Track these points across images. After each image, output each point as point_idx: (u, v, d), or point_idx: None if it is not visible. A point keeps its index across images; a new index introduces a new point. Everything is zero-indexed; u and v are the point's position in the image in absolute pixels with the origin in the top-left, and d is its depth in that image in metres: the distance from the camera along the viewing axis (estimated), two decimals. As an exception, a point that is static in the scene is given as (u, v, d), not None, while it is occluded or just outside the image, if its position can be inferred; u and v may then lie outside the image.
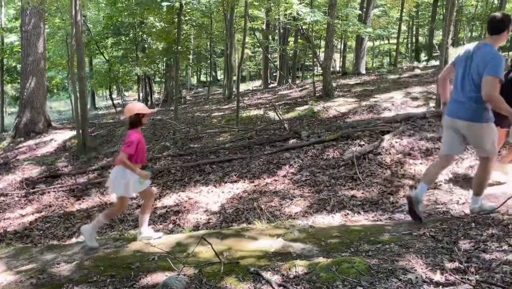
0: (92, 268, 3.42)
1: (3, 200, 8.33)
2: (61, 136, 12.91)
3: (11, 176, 9.72)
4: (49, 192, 8.39)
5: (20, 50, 14.53)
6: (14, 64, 18.95)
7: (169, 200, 7.09)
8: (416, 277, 2.64)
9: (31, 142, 12.67)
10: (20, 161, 10.77)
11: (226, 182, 7.35)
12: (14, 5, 17.91)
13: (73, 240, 5.88)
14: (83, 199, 7.92)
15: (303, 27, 15.00)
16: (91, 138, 11.95)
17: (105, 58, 21.67)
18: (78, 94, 11.13)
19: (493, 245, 3.09)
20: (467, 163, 6.49)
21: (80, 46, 10.95)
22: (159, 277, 3.12)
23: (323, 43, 22.15)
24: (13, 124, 13.91)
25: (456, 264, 2.83)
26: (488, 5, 26.36)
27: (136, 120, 4.03)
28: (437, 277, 2.66)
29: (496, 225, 3.54)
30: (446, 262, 2.88)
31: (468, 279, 2.59)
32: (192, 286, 2.86)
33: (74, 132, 12.33)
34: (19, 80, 16.18)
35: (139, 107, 4.06)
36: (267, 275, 2.91)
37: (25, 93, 13.48)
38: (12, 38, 21.01)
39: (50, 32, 19.53)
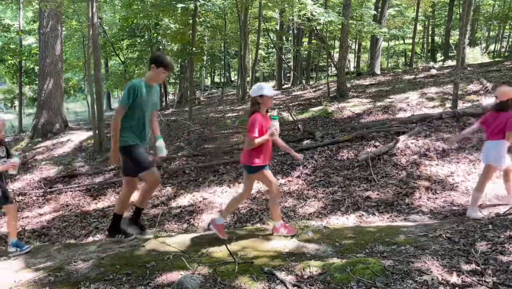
0: (109, 267, 3.46)
1: (21, 199, 8.49)
2: (77, 137, 13.10)
3: (29, 176, 9.89)
4: (66, 192, 8.51)
5: (38, 52, 14.79)
6: (32, 66, 19.30)
7: (184, 200, 7.14)
8: (432, 279, 2.62)
9: (48, 142, 12.88)
10: (38, 161, 10.96)
11: (240, 182, 7.36)
12: (33, 8, 18.23)
13: (90, 238, 5.96)
14: (100, 198, 8.02)
15: (317, 27, 14.95)
16: (107, 138, 12.10)
17: (120, 59, 21.93)
18: (94, 95, 11.28)
19: (510, 247, 3.05)
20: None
21: (97, 48, 11.09)
22: (174, 276, 3.15)
23: (337, 43, 22.08)
24: (31, 125, 14.16)
25: (473, 266, 2.80)
26: (506, 4, 25.92)
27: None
28: (454, 279, 2.63)
29: (514, 227, 3.48)
30: (463, 264, 2.85)
31: (485, 281, 2.56)
32: (207, 285, 2.88)
33: (90, 133, 12.50)
34: (37, 82, 16.47)
35: None
36: (281, 275, 2.92)
37: (42, 95, 13.72)
38: (30, 40, 21.42)
39: (67, 34, 19.83)
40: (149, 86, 4.20)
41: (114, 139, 4.02)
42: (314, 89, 16.93)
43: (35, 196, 8.60)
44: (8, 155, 4.42)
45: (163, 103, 22.74)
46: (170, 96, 25.56)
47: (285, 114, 11.59)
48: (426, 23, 28.72)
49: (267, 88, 3.87)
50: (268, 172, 3.98)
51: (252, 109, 3.90)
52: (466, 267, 2.79)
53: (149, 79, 4.20)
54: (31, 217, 7.43)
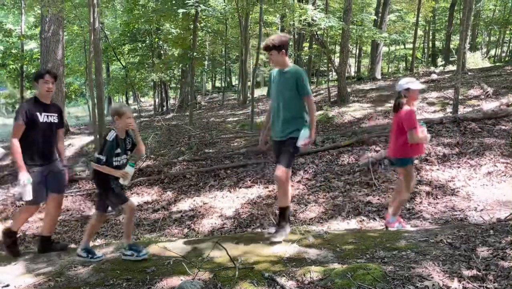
0: (109, 272, 3.46)
1: (22, 204, 8.48)
2: (78, 141, 13.11)
3: (30, 180, 9.89)
4: (66, 196, 8.50)
5: (39, 57, 14.82)
6: (33, 70, 19.35)
7: (184, 204, 7.14)
8: (433, 285, 2.60)
9: (49, 147, 12.88)
10: (38, 166, 10.95)
11: (240, 187, 7.36)
12: (34, 13, 18.30)
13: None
14: (100, 203, 8.02)
15: (318, 32, 14.98)
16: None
17: (122, 64, 21.96)
18: (95, 100, 11.30)
19: (512, 252, 3.03)
20: (485, 170, 6.39)
21: (98, 53, 11.13)
22: (174, 281, 3.14)
23: (338, 48, 22.10)
24: (32, 129, 14.17)
25: (474, 271, 2.79)
26: (507, 10, 25.97)
27: None
28: (455, 284, 2.62)
29: (516, 233, 3.47)
30: (464, 269, 2.84)
31: (486, 287, 2.55)
32: (207, 290, 2.87)
33: (91, 138, 12.50)
34: (38, 87, 16.50)
35: None
36: (281, 280, 2.91)
37: (44, 99, 13.74)
38: (31, 45, 21.47)
39: (68, 39, 19.89)
40: (281, 72, 3.90)
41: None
42: (314, 93, 16.95)
43: (35, 200, 8.60)
44: (132, 148, 3.93)
45: (164, 108, 22.78)
46: (171, 101, 25.59)
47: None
48: (427, 28, 28.75)
49: (414, 82, 4.18)
50: (412, 166, 4.39)
51: (398, 103, 4.19)
52: (467, 272, 2.78)
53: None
54: (31, 221, 7.41)
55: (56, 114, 4.22)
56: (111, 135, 3.68)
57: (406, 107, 4.13)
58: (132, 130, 3.86)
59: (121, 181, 3.69)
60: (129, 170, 3.70)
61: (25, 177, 3.85)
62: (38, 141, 4.05)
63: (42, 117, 4.07)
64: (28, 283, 3.39)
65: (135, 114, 21.82)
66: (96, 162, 3.64)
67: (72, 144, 12.86)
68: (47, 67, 13.44)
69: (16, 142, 3.92)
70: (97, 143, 11.11)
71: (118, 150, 3.71)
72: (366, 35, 15.54)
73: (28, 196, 3.86)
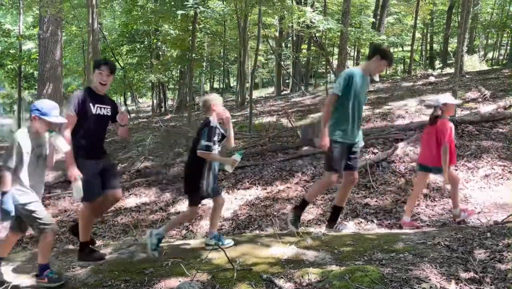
0: (107, 273, 3.46)
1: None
2: (76, 142, 13.06)
3: (28, 181, 9.86)
4: (64, 197, 8.49)
5: (37, 57, 14.81)
6: (31, 71, 19.33)
7: (182, 206, 7.13)
8: (431, 287, 2.62)
9: (47, 147, 12.84)
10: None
11: (239, 189, 7.37)
12: (33, 13, 18.31)
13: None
14: (98, 204, 8.00)
15: (317, 34, 15.02)
16: (106, 144, 12.08)
17: (120, 65, 21.94)
18: (93, 100, 11.29)
19: (509, 255, 3.05)
20: (482, 172, 6.41)
21: (96, 54, 11.13)
22: (172, 282, 3.14)
23: (336, 50, 22.14)
24: (30, 130, 14.13)
25: (471, 274, 2.80)
26: (504, 13, 26.08)
27: None
28: (452, 287, 2.64)
29: (512, 235, 3.49)
30: (461, 272, 2.85)
31: (483, 290, 2.56)
32: (206, 292, 2.88)
33: (89, 138, 12.47)
34: (36, 87, 16.50)
35: None
36: (280, 282, 2.92)
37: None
38: (29, 45, 21.44)
39: (67, 39, 19.88)
40: (364, 77, 4.03)
41: (323, 124, 4.15)
42: (313, 95, 16.97)
43: (33, 201, 8.58)
44: (222, 139, 3.81)
45: (162, 109, 22.80)
46: (169, 102, 25.58)
47: (284, 120, 11.61)
48: (425, 30, 28.84)
49: (450, 98, 4.56)
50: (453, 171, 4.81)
51: (435, 116, 4.51)
52: (464, 275, 2.80)
53: (367, 69, 4.05)
54: (29, 222, 7.40)
55: (109, 107, 3.88)
56: (214, 121, 3.56)
57: (447, 122, 4.45)
58: (225, 119, 3.75)
59: (227, 168, 3.67)
60: (238, 157, 3.67)
61: (75, 173, 3.58)
62: (88, 135, 3.76)
63: (95, 109, 3.77)
64: (26, 284, 3.39)
65: (133, 115, 21.81)
66: (205, 149, 3.50)
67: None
68: (45, 67, 13.43)
69: (68, 135, 3.64)
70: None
71: (215, 138, 3.62)
72: (364, 38, 15.60)
73: (78, 193, 3.53)
